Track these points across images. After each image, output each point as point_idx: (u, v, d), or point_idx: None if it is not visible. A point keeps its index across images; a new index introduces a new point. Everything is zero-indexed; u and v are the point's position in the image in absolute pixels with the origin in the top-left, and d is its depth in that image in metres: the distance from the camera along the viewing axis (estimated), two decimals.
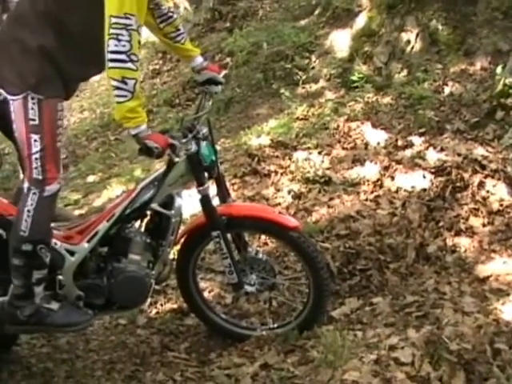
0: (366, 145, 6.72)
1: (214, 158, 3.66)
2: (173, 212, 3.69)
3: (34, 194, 3.33)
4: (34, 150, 3.26)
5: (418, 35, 8.51)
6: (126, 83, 3.07)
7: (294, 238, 3.80)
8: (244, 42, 11.12)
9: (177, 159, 3.41)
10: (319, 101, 8.35)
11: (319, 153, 6.63)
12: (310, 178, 6.12)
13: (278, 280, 4.30)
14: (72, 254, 3.64)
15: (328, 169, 6.31)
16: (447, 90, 7.55)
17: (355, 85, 8.43)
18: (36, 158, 3.28)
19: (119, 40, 3.04)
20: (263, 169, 6.47)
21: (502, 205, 5.52)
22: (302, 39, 10.09)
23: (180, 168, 3.54)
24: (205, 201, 3.66)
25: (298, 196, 5.90)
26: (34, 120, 3.24)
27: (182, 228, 4.06)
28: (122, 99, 3.09)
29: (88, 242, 3.65)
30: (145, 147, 3.16)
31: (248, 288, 4.03)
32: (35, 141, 3.26)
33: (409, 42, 8.56)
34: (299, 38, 10.12)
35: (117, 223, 3.64)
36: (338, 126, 7.14)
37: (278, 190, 6.07)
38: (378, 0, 9.38)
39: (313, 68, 9.56)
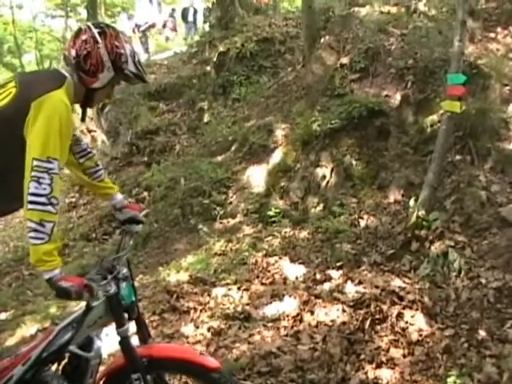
0: (285, 279, 6.77)
1: (133, 298, 3.59)
2: (92, 354, 3.56)
3: None
4: None
5: (332, 170, 8.79)
6: (43, 226, 3.03)
7: (215, 379, 3.71)
8: (161, 176, 11.23)
9: (95, 303, 3.34)
10: (237, 236, 8.42)
11: (238, 288, 6.64)
12: (230, 314, 6.08)
13: None
14: None
15: (247, 304, 6.29)
16: (363, 223, 7.74)
17: (272, 219, 8.59)
18: None
19: (40, 183, 3.03)
20: (182, 305, 6.39)
21: (421, 335, 5.60)
22: (219, 175, 10.27)
23: (99, 309, 3.44)
24: (124, 343, 3.53)
25: (217, 333, 5.81)
26: None
27: (101, 369, 3.93)
28: (38, 241, 3.03)
29: None
30: (60, 290, 3.07)
31: None
32: None
33: (324, 176, 8.82)
34: (216, 174, 10.30)
35: (33, 367, 3.46)
36: (257, 262, 7.21)
37: (198, 327, 5.97)
38: (292, 136, 9.70)
39: (230, 203, 9.69)
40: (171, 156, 12.90)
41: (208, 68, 15.19)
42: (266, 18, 16.14)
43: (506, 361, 5.07)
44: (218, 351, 5.42)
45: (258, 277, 6.91)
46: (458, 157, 7.72)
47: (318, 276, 6.70)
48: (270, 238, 7.99)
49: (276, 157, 9.74)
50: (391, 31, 10.35)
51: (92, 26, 3.36)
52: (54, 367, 3.60)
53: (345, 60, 10.04)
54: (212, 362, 3.77)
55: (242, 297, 6.47)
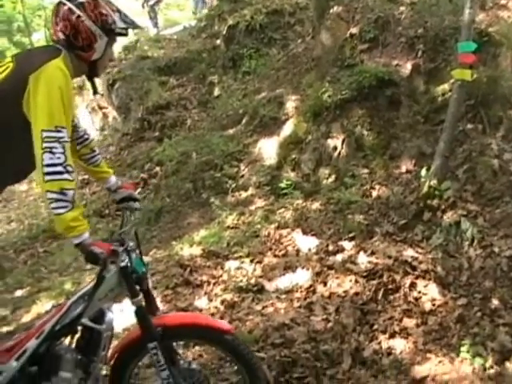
0: (298, 251, 6.79)
1: (143, 269, 3.63)
2: (104, 326, 3.59)
3: None
4: None
5: (343, 141, 8.74)
6: (65, 194, 3.06)
7: (228, 341, 3.75)
8: (173, 151, 11.22)
9: (109, 274, 3.37)
10: (249, 209, 8.43)
11: (251, 261, 6.66)
12: (243, 286, 6.11)
13: None
14: None
15: (260, 277, 6.31)
16: (375, 193, 7.72)
17: (284, 192, 8.58)
18: None
19: (53, 153, 3.05)
20: (195, 279, 6.42)
21: (434, 304, 5.62)
22: (230, 148, 10.25)
23: (110, 282, 3.47)
24: (140, 312, 3.56)
25: (231, 305, 5.85)
26: None
27: (116, 342, 3.96)
28: (62, 210, 3.07)
29: (16, 360, 3.48)
30: (91, 254, 3.13)
31: None
32: None
33: (335, 148, 8.78)
34: (228, 147, 10.28)
35: (46, 340, 3.49)
36: (269, 234, 7.21)
37: (211, 300, 6.00)
38: (303, 108, 9.65)
39: (242, 176, 9.68)
40: (182, 130, 12.88)
41: (218, 41, 15.10)
42: None
43: None
44: (231, 324, 5.43)
45: (270, 249, 6.92)
46: (469, 125, 7.65)
47: (331, 247, 6.70)
48: (282, 210, 7.98)
49: (287, 129, 9.71)
50: (401, 0, 10.23)
51: (67, 2, 3.35)
52: (67, 341, 3.63)
53: (354, 30, 9.94)
54: (224, 325, 3.88)
55: (254, 269, 6.50)
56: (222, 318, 5.64)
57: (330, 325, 5.31)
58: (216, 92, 13.90)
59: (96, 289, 3.43)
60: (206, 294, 6.20)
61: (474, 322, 5.35)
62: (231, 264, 6.65)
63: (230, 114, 11.85)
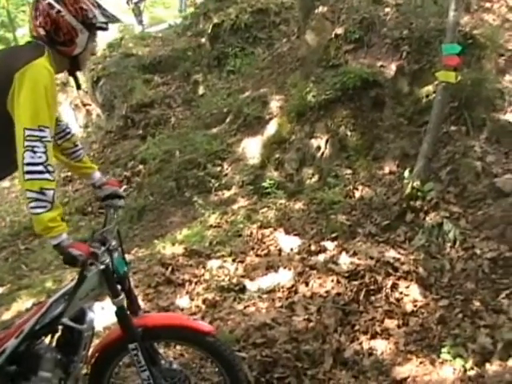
0: (280, 251, 6.78)
1: (125, 269, 3.60)
2: (85, 326, 3.55)
3: None
4: None
5: (327, 141, 8.75)
6: (44, 194, 3.03)
7: (210, 342, 3.73)
8: (156, 149, 11.21)
9: (90, 273, 3.33)
10: (232, 208, 8.42)
11: (233, 260, 6.64)
12: (225, 286, 6.09)
13: None
14: None
15: (242, 276, 6.29)
16: (358, 194, 7.74)
17: (267, 191, 8.57)
18: None
19: (35, 152, 3.02)
20: (177, 278, 6.39)
21: (415, 305, 5.62)
22: (214, 147, 10.25)
23: (91, 281, 3.43)
24: (121, 312, 3.53)
25: (213, 305, 5.82)
26: None
27: (96, 342, 3.93)
28: (41, 210, 3.03)
29: None
30: (69, 256, 3.10)
31: None
32: None
33: (319, 148, 8.79)
34: (211, 146, 10.28)
35: (26, 340, 3.44)
36: (252, 233, 7.20)
37: (193, 300, 5.98)
38: (287, 108, 9.65)
39: (225, 175, 9.68)
40: (166, 129, 12.88)
41: (203, 40, 15.09)
42: None
43: (500, 331, 5.08)
44: (213, 323, 5.42)
45: (252, 249, 6.91)
46: (453, 127, 7.68)
47: (313, 247, 6.70)
48: (265, 209, 7.98)
49: (271, 128, 9.71)
50: (386, 1, 10.23)
51: None
52: (47, 340, 3.59)
53: (339, 31, 9.95)
54: (206, 326, 3.84)
55: (236, 269, 6.48)
56: (203, 317, 5.61)
57: (311, 325, 5.30)
58: (200, 91, 13.91)
59: (77, 288, 3.40)
60: (187, 293, 6.17)
61: (455, 323, 5.36)
62: (213, 263, 6.63)
63: (214, 112, 11.85)
